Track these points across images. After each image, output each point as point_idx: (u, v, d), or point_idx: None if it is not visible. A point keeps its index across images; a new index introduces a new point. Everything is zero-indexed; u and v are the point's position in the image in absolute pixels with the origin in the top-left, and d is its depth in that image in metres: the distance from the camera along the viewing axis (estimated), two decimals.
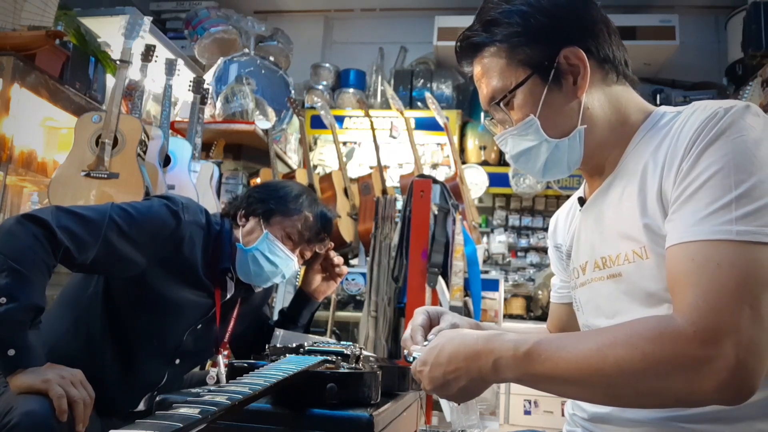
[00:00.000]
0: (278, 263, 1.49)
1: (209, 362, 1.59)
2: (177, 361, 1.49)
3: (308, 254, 1.58)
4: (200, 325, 1.49)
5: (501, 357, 0.75)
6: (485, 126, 1.01)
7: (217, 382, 1.47)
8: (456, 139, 4.44)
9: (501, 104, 0.90)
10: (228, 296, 1.52)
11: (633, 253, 0.82)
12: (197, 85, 2.78)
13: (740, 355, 0.63)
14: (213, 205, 2.68)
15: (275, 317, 1.80)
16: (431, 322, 0.98)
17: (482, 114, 4.75)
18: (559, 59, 0.86)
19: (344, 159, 3.58)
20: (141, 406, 1.47)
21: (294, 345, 1.01)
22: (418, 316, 0.99)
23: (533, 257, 4.68)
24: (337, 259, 1.69)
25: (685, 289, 0.70)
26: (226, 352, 1.57)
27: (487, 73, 0.91)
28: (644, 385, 0.68)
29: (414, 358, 0.87)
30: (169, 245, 1.38)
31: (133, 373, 1.42)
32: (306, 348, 0.96)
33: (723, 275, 0.67)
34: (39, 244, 1.18)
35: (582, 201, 0.98)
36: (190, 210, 1.43)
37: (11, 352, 1.12)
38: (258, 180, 3.27)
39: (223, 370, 1.49)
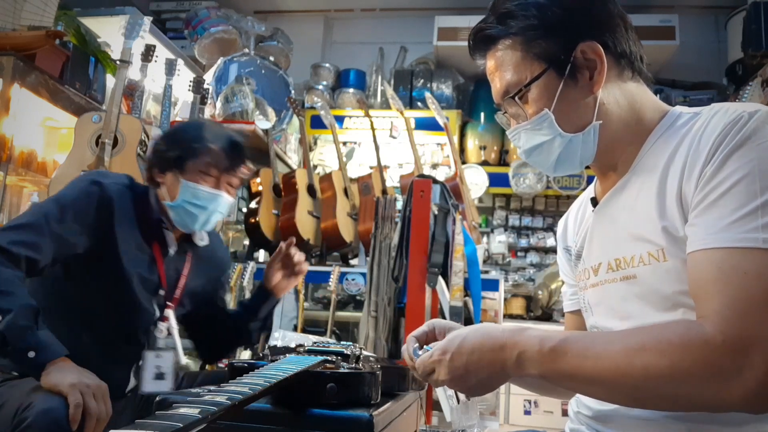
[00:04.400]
0: (207, 205, 1.51)
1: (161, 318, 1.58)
2: (153, 326, 1.52)
3: (235, 182, 1.58)
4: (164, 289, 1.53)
5: (526, 351, 0.75)
6: (497, 120, 0.99)
7: (169, 335, 1.52)
8: (456, 139, 4.44)
9: (516, 98, 0.88)
10: (172, 251, 1.55)
11: (649, 255, 0.81)
12: (197, 85, 2.78)
13: None
14: None
15: (276, 318, 1.81)
16: (428, 336, 0.96)
17: (482, 114, 4.76)
18: (576, 53, 0.84)
19: (344, 159, 3.58)
20: (132, 381, 1.50)
21: (294, 345, 1.01)
22: (423, 326, 0.96)
23: (533, 257, 4.68)
24: (298, 257, 1.69)
25: (711, 297, 0.69)
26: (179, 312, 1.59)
27: (501, 66, 0.89)
28: (671, 392, 0.68)
29: (422, 350, 0.86)
30: (103, 212, 1.41)
31: (114, 346, 1.44)
32: (306, 348, 0.96)
33: (750, 283, 0.67)
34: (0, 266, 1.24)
35: (594, 201, 0.96)
36: (108, 175, 1.49)
37: (31, 354, 1.17)
38: (258, 180, 3.27)
39: (174, 324, 1.53)
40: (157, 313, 1.52)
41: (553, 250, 4.52)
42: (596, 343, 0.74)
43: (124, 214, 1.45)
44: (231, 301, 2.67)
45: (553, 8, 0.85)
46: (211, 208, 1.52)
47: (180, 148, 1.51)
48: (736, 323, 0.66)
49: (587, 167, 0.94)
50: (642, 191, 0.84)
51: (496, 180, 4.55)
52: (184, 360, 1.58)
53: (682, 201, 0.77)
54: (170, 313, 1.53)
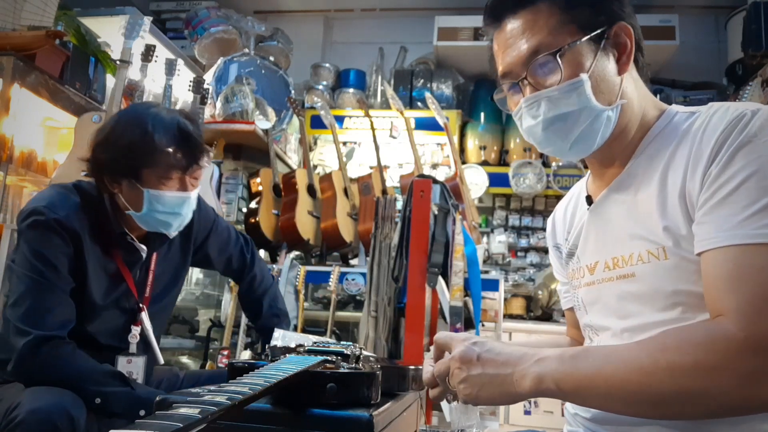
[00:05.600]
0: (179, 210, 1.39)
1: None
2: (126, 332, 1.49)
3: (199, 174, 1.44)
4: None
5: (546, 357, 0.74)
6: (495, 100, 0.95)
7: (141, 340, 1.49)
8: (456, 139, 4.44)
9: (556, 56, 0.82)
10: (143, 255, 1.47)
11: (648, 254, 0.80)
12: (197, 85, 2.78)
13: None
14: (213, 206, 2.68)
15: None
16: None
17: (482, 114, 4.76)
18: (611, 32, 0.83)
19: (344, 159, 3.58)
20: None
21: (294, 345, 1.00)
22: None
23: (533, 257, 4.68)
24: None
25: (727, 295, 0.69)
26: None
27: (533, 27, 0.84)
28: (698, 391, 0.66)
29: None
30: (74, 247, 1.34)
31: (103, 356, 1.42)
32: (306, 348, 0.96)
33: (767, 279, 0.66)
34: (58, 356, 1.25)
35: (589, 199, 0.96)
36: (58, 206, 1.33)
37: (142, 412, 1.23)
38: (258, 180, 3.27)
39: (148, 325, 1.49)
40: (130, 319, 1.48)
41: None
42: (618, 349, 0.73)
43: (89, 240, 1.36)
44: (231, 301, 2.67)
45: None
46: (184, 211, 1.41)
47: (129, 158, 1.34)
48: (758, 320, 0.65)
49: (585, 167, 0.94)
50: (641, 190, 0.83)
51: (496, 180, 4.55)
52: (162, 359, 1.56)
53: (687, 199, 0.76)
54: (143, 315, 1.49)
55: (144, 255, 1.47)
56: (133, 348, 1.47)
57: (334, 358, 0.89)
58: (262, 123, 3.22)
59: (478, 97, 4.85)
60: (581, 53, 0.82)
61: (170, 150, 1.34)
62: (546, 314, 4.09)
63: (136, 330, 1.48)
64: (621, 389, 0.69)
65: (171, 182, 1.37)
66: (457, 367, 0.79)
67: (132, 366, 1.46)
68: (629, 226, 0.84)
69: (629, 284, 0.84)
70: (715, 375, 0.65)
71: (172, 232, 1.46)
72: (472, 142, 4.72)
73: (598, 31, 0.83)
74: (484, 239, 4.64)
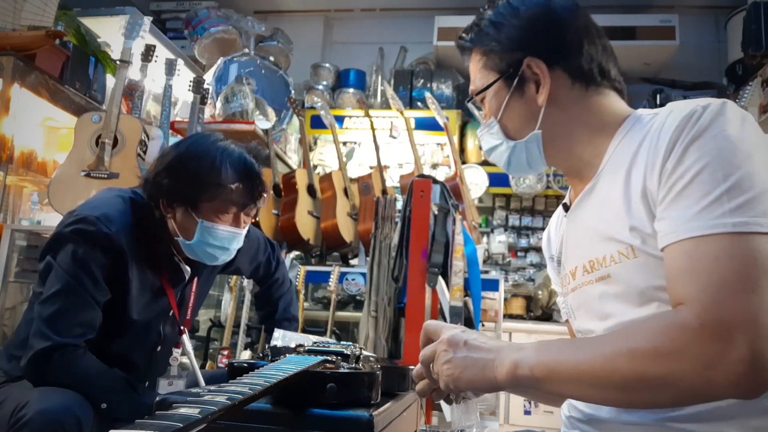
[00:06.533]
0: (227, 245, 1.41)
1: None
2: (159, 348, 1.49)
3: (253, 212, 1.47)
4: (171, 312, 1.48)
5: (526, 346, 0.78)
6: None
7: (182, 359, 1.50)
8: (456, 139, 4.44)
9: (471, 103, 1.02)
10: (187, 278, 1.48)
11: (619, 254, 0.83)
12: (197, 85, 2.78)
13: (754, 345, 0.63)
14: None
15: None
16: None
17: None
18: (524, 68, 0.93)
19: (344, 159, 3.58)
20: None
21: (294, 345, 1.01)
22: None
23: (533, 257, 4.68)
24: None
25: (684, 285, 0.70)
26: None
27: (474, 71, 1.00)
28: (658, 376, 0.67)
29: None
30: (117, 264, 1.33)
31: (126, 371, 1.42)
32: (306, 348, 0.96)
33: (722, 267, 0.68)
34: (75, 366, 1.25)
35: (566, 207, 1.00)
36: (109, 219, 1.33)
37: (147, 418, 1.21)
38: None
39: (189, 348, 1.50)
40: (170, 341, 1.48)
41: None
42: (590, 339, 0.80)
43: (135, 259, 1.36)
44: (231, 301, 2.67)
45: (509, 26, 0.94)
46: (233, 247, 1.43)
47: (192, 188, 1.35)
48: (712, 307, 0.66)
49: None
50: (608, 193, 0.86)
51: (496, 180, 4.55)
52: (204, 382, 1.54)
53: (648, 198, 0.79)
54: (184, 338, 1.49)
55: (187, 277, 1.48)
56: (174, 371, 1.47)
57: (334, 358, 0.89)
58: (262, 123, 3.22)
59: None
60: (495, 95, 0.96)
61: (233, 187, 1.37)
62: (546, 314, 4.09)
63: (177, 352, 1.48)
64: (589, 374, 0.72)
65: (226, 217, 1.39)
66: (444, 350, 0.81)
67: (173, 389, 1.44)
68: (601, 228, 0.87)
69: (607, 285, 0.86)
70: (673, 360, 0.67)
71: (219, 263, 1.47)
72: (472, 142, 4.72)
73: (510, 71, 0.93)
74: (484, 239, 4.64)
